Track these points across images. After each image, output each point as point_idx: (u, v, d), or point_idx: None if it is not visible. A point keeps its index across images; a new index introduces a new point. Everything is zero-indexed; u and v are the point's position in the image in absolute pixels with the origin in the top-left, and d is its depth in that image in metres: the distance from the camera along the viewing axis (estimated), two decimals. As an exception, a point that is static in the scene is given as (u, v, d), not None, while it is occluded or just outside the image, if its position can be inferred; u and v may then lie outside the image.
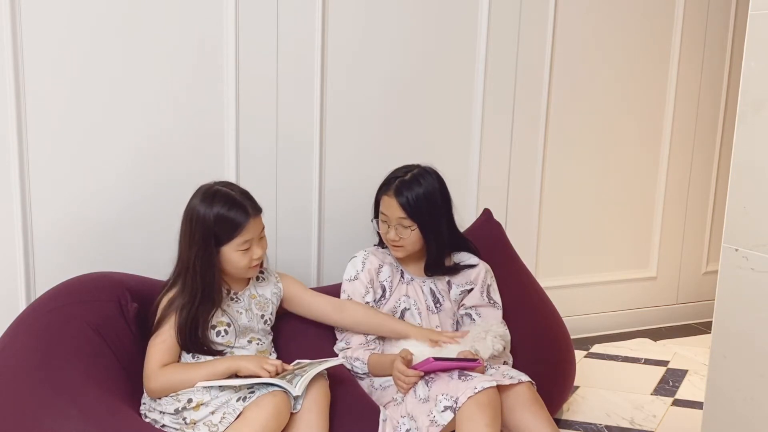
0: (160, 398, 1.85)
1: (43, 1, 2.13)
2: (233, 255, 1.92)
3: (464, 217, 2.82)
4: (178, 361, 1.90)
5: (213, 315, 1.93)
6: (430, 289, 2.20)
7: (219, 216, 1.89)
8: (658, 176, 3.38)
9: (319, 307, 2.13)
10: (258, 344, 2.01)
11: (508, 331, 2.17)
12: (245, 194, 1.97)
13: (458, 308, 2.22)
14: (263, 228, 1.98)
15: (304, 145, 2.55)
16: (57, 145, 2.21)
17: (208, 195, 1.93)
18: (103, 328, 1.92)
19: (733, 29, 3.38)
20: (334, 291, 2.24)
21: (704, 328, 3.45)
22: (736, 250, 1.69)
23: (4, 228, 2.19)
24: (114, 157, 2.29)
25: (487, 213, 2.60)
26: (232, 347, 1.96)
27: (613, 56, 3.15)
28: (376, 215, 2.18)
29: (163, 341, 1.88)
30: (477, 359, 1.96)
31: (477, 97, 2.86)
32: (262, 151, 2.49)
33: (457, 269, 2.21)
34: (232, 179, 2.41)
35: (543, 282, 2.67)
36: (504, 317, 2.22)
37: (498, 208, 2.85)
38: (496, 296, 2.25)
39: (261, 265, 2.07)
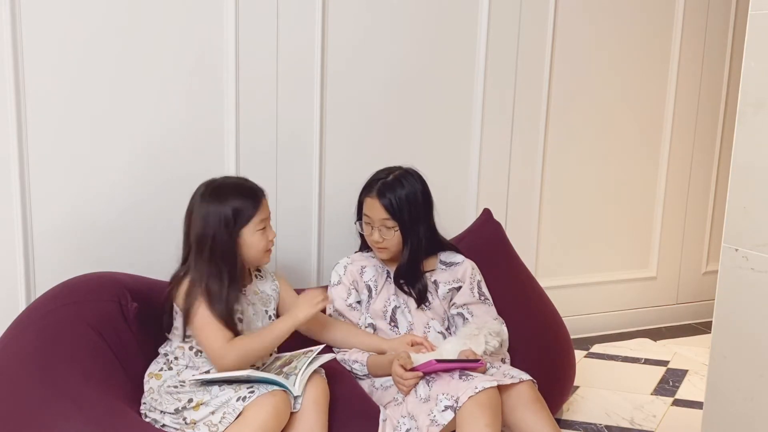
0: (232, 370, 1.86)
1: (44, 1, 2.13)
2: (253, 238, 1.93)
3: (464, 217, 2.83)
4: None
5: (238, 299, 1.94)
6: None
7: (234, 201, 1.91)
8: (658, 176, 3.38)
9: None
10: None
11: (505, 327, 2.18)
12: (246, 179, 2.03)
13: (449, 307, 2.22)
14: (270, 213, 2.02)
15: (305, 145, 2.55)
16: (57, 146, 2.21)
17: (214, 187, 1.95)
18: (103, 328, 1.91)
19: (733, 29, 3.38)
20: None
21: (704, 328, 3.45)
22: (736, 250, 1.69)
23: (4, 228, 2.18)
24: (114, 157, 2.29)
25: (487, 213, 2.60)
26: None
27: (613, 56, 3.15)
28: (359, 217, 2.19)
29: (211, 322, 1.86)
30: (479, 360, 1.96)
31: (477, 97, 2.86)
32: (262, 151, 2.49)
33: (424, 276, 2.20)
34: (232, 179, 2.42)
35: (543, 282, 2.67)
36: (504, 317, 2.22)
37: (498, 208, 2.85)
38: (487, 292, 2.25)
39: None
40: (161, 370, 1.92)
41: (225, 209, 1.89)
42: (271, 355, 2.02)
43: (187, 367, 1.92)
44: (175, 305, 1.93)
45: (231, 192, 1.93)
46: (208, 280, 1.87)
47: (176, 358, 1.93)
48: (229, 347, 1.84)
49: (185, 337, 1.92)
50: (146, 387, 1.92)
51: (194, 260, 1.91)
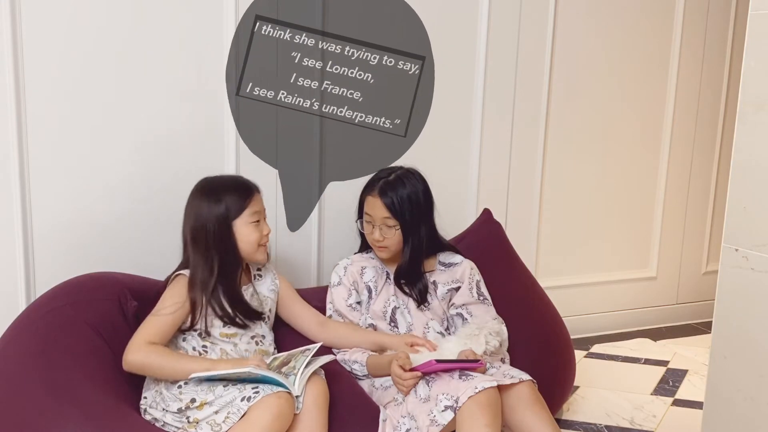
0: (149, 379, 1.89)
1: (46, 3, 2.13)
2: (245, 228, 1.96)
3: (464, 217, 2.83)
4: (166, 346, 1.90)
5: (236, 292, 1.96)
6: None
7: (226, 194, 1.96)
8: (658, 176, 3.38)
9: (304, 319, 2.15)
10: (259, 343, 2.02)
11: (504, 327, 2.17)
12: (240, 176, 2.11)
13: (448, 308, 2.22)
14: (265, 210, 2.04)
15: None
16: (57, 146, 2.21)
17: (207, 183, 2.01)
18: (103, 327, 1.92)
19: (733, 29, 3.38)
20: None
21: (704, 328, 3.45)
22: (736, 250, 1.69)
23: (4, 228, 2.18)
24: (114, 157, 2.29)
25: (487, 213, 2.60)
26: (231, 339, 1.96)
27: (613, 56, 3.15)
28: (360, 216, 2.19)
29: (157, 319, 1.88)
30: (479, 360, 1.96)
31: (477, 97, 2.86)
32: (262, 151, 2.49)
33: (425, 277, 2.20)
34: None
35: (543, 282, 2.67)
36: (504, 317, 2.21)
37: (498, 208, 2.85)
38: (486, 292, 2.25)
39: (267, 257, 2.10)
40: None
41: (217, 201, 1.95)
42: (268, 354, 2.02)
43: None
44: None
45: (223, 186, 1.99)
46: (196, 269, 1.92)
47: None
48: (142, 348, 1.82)
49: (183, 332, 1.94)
50: (151, 381, 1.91)
51: (191, 254, 1.95)
